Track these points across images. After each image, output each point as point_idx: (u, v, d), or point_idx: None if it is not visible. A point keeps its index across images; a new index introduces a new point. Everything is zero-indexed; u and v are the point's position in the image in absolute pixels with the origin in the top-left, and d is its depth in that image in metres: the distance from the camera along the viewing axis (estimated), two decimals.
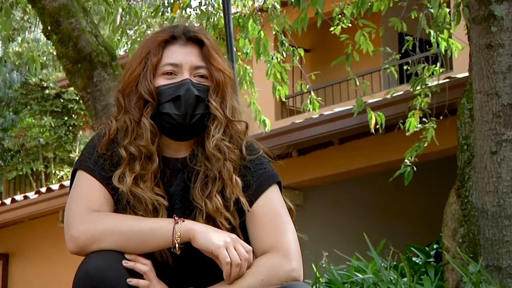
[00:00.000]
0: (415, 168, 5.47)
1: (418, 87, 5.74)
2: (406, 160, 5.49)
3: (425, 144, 5.59)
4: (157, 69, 2.15)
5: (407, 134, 5.77)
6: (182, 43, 2.18)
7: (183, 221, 2.01)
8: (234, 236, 2.01)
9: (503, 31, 3.76)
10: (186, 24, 2.25)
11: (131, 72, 2.17)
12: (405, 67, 6.08)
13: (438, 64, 5.86)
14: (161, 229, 2.00)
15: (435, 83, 5.96)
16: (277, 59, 6.51)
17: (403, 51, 5.86)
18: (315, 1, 5.11)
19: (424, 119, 5.74)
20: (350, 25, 5.90)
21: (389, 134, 6.35)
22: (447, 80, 7.20)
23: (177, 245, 1.99)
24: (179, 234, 1.99)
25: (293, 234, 2.10)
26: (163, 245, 2.01)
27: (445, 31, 5.80)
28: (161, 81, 2.14)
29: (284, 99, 6.94)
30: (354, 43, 5.91)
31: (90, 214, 2.04)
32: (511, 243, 3.71)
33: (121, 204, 2.09)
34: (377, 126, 5.87)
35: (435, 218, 5.35)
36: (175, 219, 2.02)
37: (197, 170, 2.12)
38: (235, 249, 1.97)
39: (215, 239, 1.97)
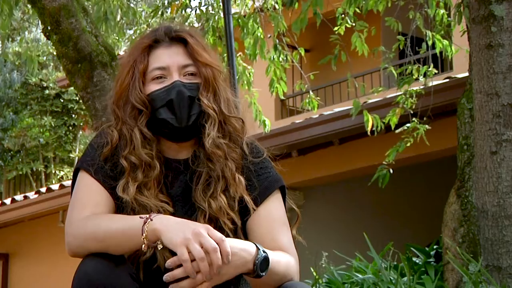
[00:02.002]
0: (391, 171, 5.47)
1: (406, 87, 5.74)
2: (384, 162, 5.49)
3: (408, 144, 5.59)
4: (145, 75, 2.14)
5: (396, 131, 5.78)
6: (166, 45, 2.16)
7: (152, 219, 1.92)
8: (201, 228, 1.89)
9: (503, 31, 3.76)
10: (168, 24, 2.22)
11: (121, 82, 2.15)
12: (398, 71, 6.08)
13: (430, 65, 5.85)
14: (131, 230, 1.93)
15: (432, 83, 5.96)
16: (278, 58, 6.52)
17: (393, 50, 5.86)
18: (315, 2, 5.11)
19: (413, 120, 5.74)
20: (354, 24, 5.89)
21: (388, 134, 6.34)
22: (447, 80, 7.21)
23: (143, 246, 1.91)
24: (145, 235, 1.91)
25: (291, 240, 2.12)
26: (136, 246, 1.94)
27: (441, 32, 5.80)
28: (152, 87, 2.12)
29: (282, 97, 6.94)
30: (348, 44, 5.90)
31: (82, 220, 2.01)
32: (511, 243, 3.71)
33: (125, 212, 2.06)
34: (373, 128, 5.87)
35: (435, 218, 5.35)
36: (146, 218, 1.94)
37: (199, 171, 2.10)
38: (201, 243, 1.86)
39: (175, 237, 1.87)
